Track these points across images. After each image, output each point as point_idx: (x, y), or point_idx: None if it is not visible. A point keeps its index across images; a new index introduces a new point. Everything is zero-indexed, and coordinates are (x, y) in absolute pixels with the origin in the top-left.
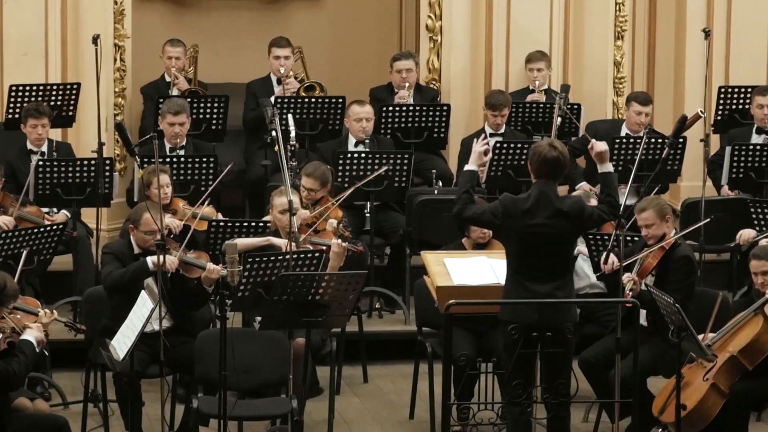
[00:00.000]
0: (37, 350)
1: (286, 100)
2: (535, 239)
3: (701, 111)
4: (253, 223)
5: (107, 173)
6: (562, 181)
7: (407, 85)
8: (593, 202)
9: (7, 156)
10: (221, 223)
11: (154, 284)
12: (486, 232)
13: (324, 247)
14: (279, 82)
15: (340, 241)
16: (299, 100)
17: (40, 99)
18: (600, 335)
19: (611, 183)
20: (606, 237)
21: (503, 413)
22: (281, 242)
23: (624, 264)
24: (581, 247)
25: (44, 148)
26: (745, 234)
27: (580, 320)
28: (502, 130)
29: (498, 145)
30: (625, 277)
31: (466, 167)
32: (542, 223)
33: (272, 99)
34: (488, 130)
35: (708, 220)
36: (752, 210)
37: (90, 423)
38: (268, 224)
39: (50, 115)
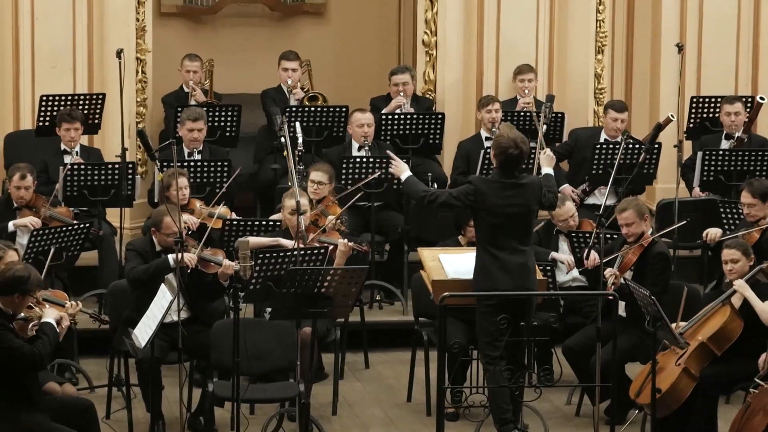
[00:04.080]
0: (58, 330)
1: (294, 110)
2: (504, 214)
3: (671, 115)
4: (264, 222)
5: (130, 176)
6: None
7: (402, 94)
8: (569, 204)
9: (42, 157)
10: (235, 222)
11: (173, 279)
12: None
13: (331, 246)
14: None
15: (346, 241)
16: (306, 110)
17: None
18: (582, 325)
19: (551, 181)
20: (587, 235)
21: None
22: (289, 243)
23: (606, 260)
24: (554, 254)
25: (77, 150)
26: (712, 233)
27: (563, 310)
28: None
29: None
30: (608, 272)
31: (403, 176)
32: (510, 197)
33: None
34: (484, 135)
35: (684, 222)
36: (722, 210)
37: (114, 405)
38: (278, 223)
39: (82, 119)
